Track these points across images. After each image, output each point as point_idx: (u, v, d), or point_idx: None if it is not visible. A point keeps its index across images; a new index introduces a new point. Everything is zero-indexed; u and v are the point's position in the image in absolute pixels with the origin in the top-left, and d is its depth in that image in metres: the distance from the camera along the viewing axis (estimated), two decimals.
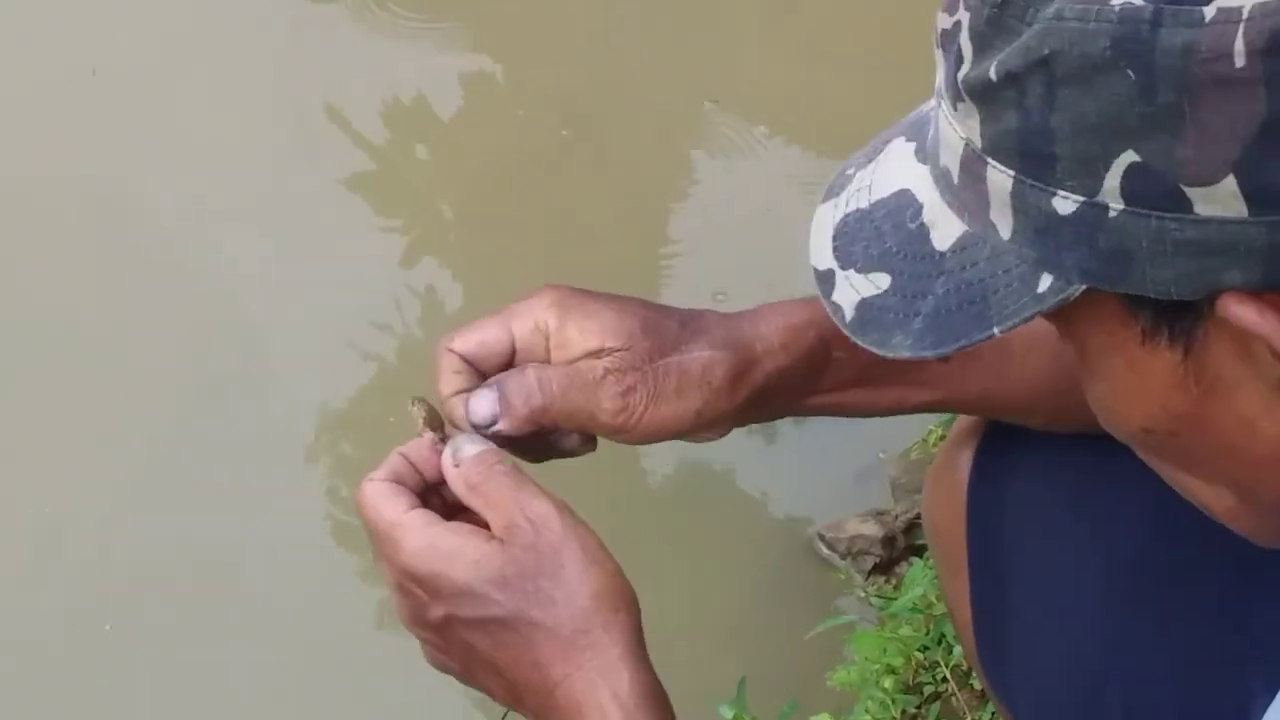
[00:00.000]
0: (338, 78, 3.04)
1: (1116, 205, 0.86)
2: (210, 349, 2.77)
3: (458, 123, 3.04)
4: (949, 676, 2.26)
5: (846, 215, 1.02)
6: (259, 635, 2.51)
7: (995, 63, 0.87)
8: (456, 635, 1.23)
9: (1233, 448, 0.95)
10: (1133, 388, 0.94)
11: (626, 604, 1.21)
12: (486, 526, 1.23)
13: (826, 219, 1.04)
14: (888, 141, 1.04)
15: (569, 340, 1.29)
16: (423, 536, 1.21)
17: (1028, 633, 1.44)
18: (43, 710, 2.47)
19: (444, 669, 1.27)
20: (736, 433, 2.62)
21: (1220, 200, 0.84)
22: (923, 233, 0.97)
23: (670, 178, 2.98)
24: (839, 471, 2.64)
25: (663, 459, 2.68)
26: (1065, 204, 0.87)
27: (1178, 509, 1.30)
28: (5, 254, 2.88)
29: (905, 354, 0.96)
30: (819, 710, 2.25)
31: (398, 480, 1.25)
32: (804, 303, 1.33)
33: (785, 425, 2.67)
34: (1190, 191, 0.85)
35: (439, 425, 1.26)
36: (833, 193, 1.06)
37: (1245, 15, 0.82)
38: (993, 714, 2.19)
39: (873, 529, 2.50)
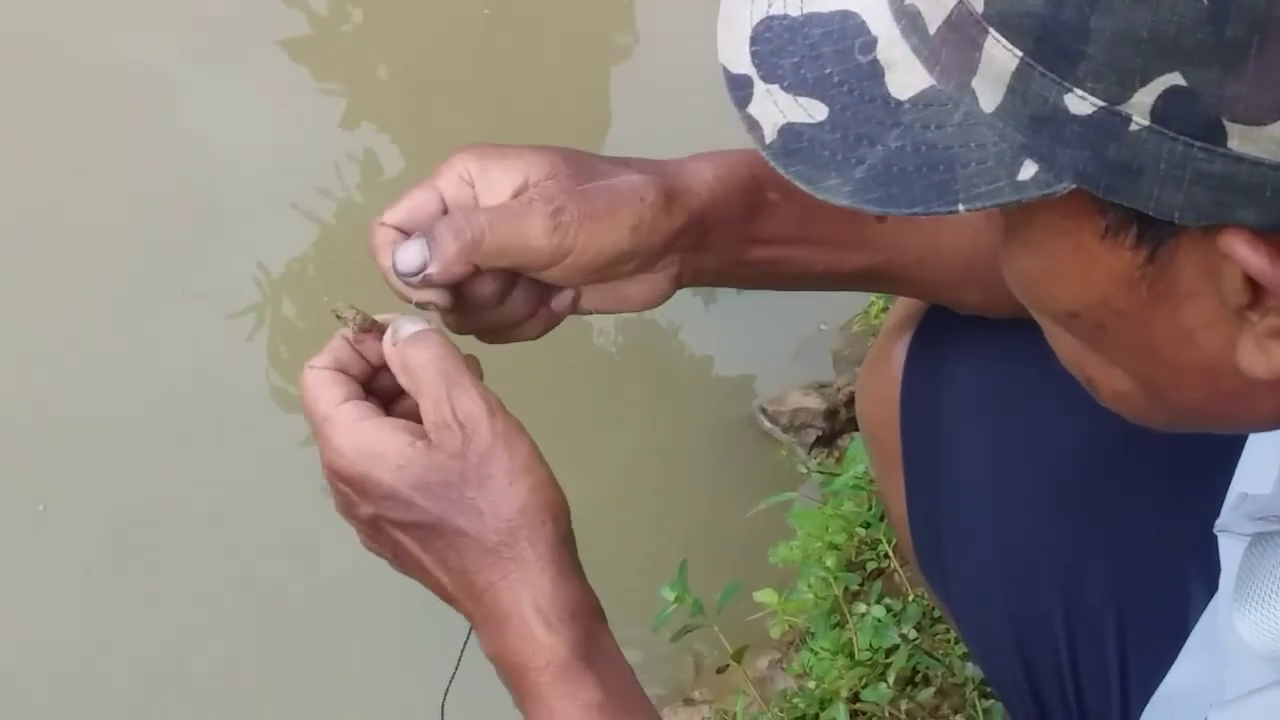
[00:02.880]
0: None
1: (1141, 120, 0.81)
2: (155, 213, 2.75)
3: None
4: (891, 554, 2.25)
5: (769, 18, 0.93)
6: (202, 512, 2.49)
7: None
8: (385, 533, 1.21)
9: (1158, 350, 0.92)
10: (1073, 274, 0.90)
11: (554, 514, 1.18)
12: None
13: (741, 12, 0.94)
14: None
15: (494, 181, 1.24)
16: (349, 435, 1.19)
17: (964, 531, 1.44)
18: None
19: (378, 555, 1.26)
20: (677, 306, 2.62)
21: (1260, 141, 0.81)
22: (875, 71, 0.89)
23: (606, 39, 2.96)
24: (780, 344, 2.63)
25: (603, 331, 2.67)
26: (1080, 104, 0.82)
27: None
28: None
29: (842, 201, 0.89)
30: (761, 587, 2.25)
31: (339, 367, 1.22)
32: (736, 150, 1.27)
33: (726, 297, 2.65)
34: (1231, 126, 0.80)
35: (372, 327, 1.22)
36: None
37: None
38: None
39: (815, 402, 2.49)
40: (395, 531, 1.20)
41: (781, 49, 0.92)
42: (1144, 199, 0.82)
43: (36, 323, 2.65)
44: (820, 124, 0.90)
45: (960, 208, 0.86)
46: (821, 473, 2.39)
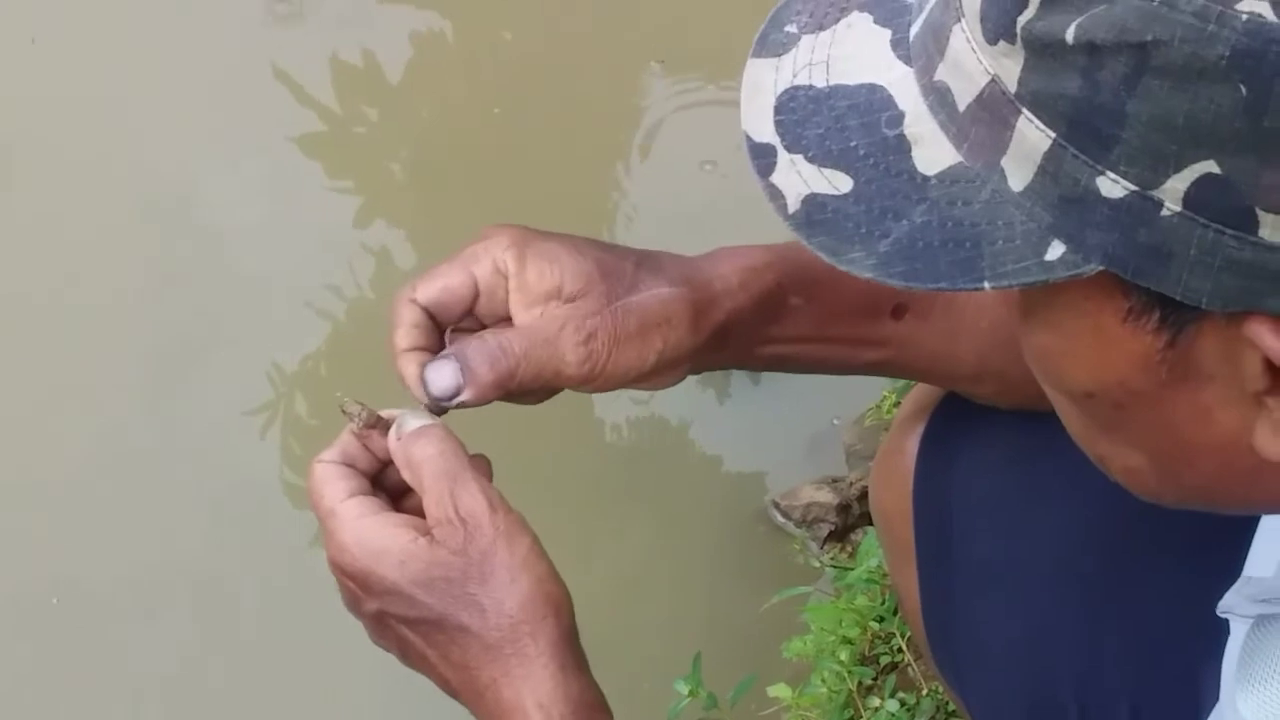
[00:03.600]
0: (285, 36, 3.01)
1: (1173, 206, 0.81)
2: (170, 308, 2.74)
3: (406, 83, 3.00)
4: (905, 647, 2.24)
5: (794, 88, 0.94)
6: (208, 597, 2.49)
7: (1075, 25, 0.80)
8: (390, 629, 1.22)
9: (1174, 429, 0.92)
10: (1092, 355, 0.90)
11: (555, 609, 1.20)
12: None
13: (765, 80, 0.96)
14: (842, 10, 0.97)
15: (528, 284, 1.25)
16: (353, 531, 1.20)
17: (978, 622, 1.44)
18: None
19: (387, 651, 1.27)
20: (689, 402, 2.61)
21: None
22: (902, 146, 0.90)
23: (616, 139, 2.94)
24: (793, 438, 2.62)
25: (616, 426, 2.66)
26: (1112, 187, 0.82)
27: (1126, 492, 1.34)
28: None
29: (866, 274, 0.89)
30: (775, 681, 2.23)
31: (347, 461, 1.23)
32: (761, 247, 1.30)
33: (739, 391, 2.66)
34: (1264, 216, 0.81)
35: (377, 423, 1.24)
36: (769, 49, 0.98)
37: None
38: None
39: (827, 496, 2.47)
40: (400, 627, 1.20)
41: (806, 119, 0.92)
42: (1172, 284, 0.82)
43: (51, 417, 2.65)
44: (845, 196, 0.90)
45: (986, 285, 0.86)
46: (835, 566, 2.38)
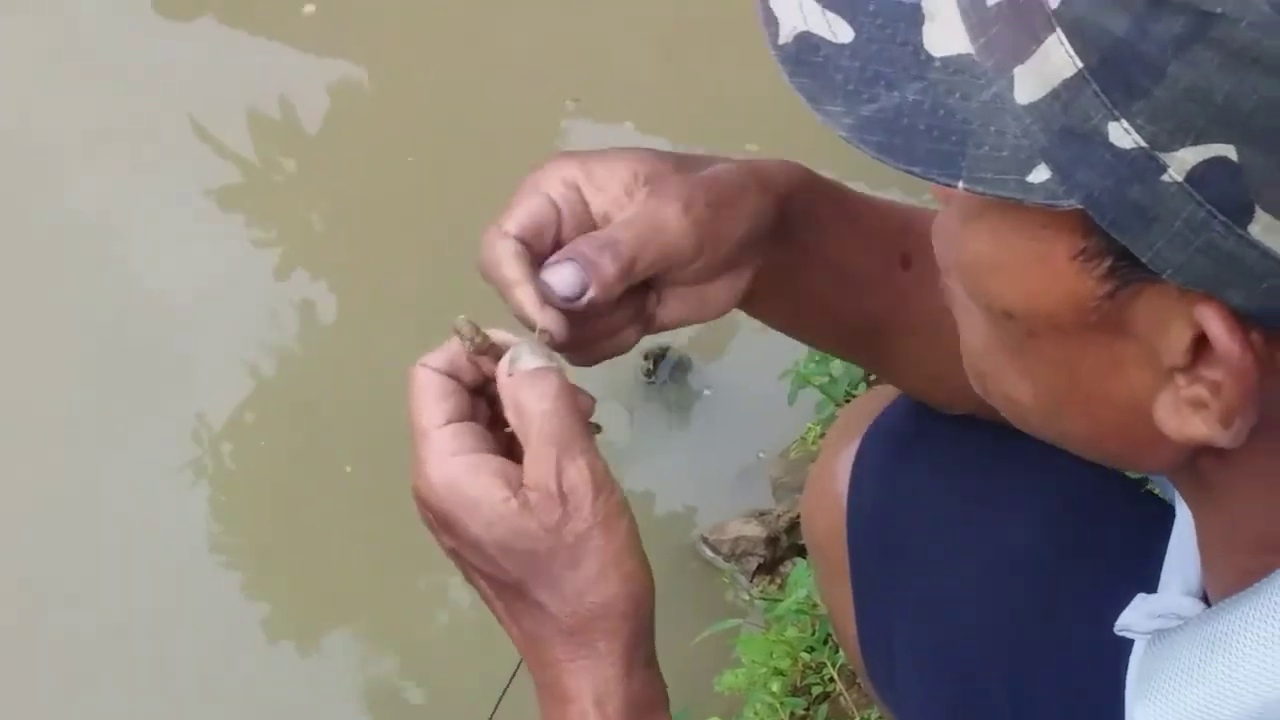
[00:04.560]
0: (201, 86, 2.99)
1: (1175, 175, 0.80)
2: (86, 368, 2.72)
3: (324, 133, 3.00)
4: (836, 677, 2.24)
5: None
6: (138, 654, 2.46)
7: None
8: (464, 567, 1.15)
9: (1079, 374, 0.91)
10: (1028, 280, 0.88)
11: (636, 607, 1.12)
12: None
13: None
14: None
15: (601, 182, 1.17)
16: (443, 470, 1.11)
17: (913, 644, 1.41)
18: None
19: (462, 572, 1.18)
20: (617, 440, 2.60)
21: None
22: (915, 16, 0.87)
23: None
24: (719, 473, 2.61)
25: None
26: (1123, 137, 0.80)
27: (1063, 505, 1.37)
28: None
29: (841, 130, 0.86)
30: (708, 715, 2.24)
31: (453, 372, 1.14)
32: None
33: (666, 428, 2.66)
34: (1260, 213, 0.80)
35: (489, 349, 1.13)
36: None
37: None
38: (879, 715, 2.15)
39: (755, 530, 2.47)
40: (472, 573, 1.14)
41: None
42: (1145, 247, 0.81)
43: None
44: (841, 46, 0.87)
45: (961, 185, 0.84)
46: (764, 599, 2.38)
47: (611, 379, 2.67)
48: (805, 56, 0.88)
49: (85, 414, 2.68)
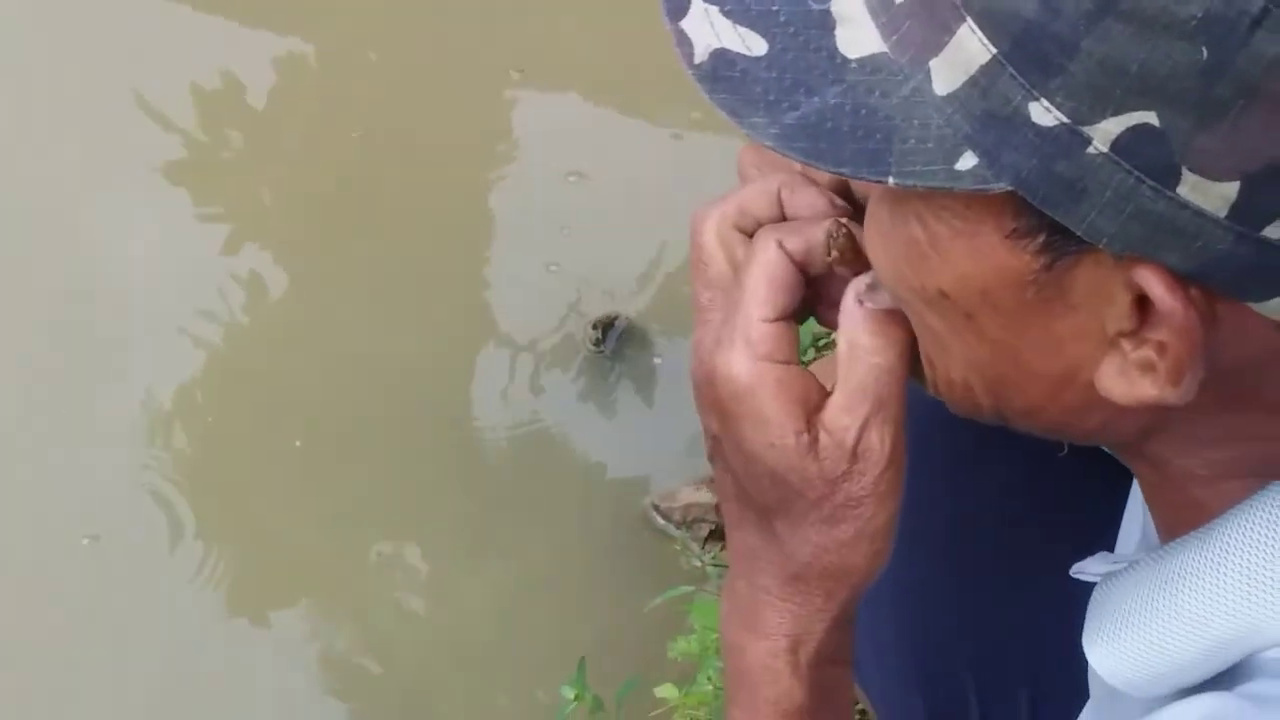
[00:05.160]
0: (145, 60, 2.97)
1: (1100, 147, 0.81)
2: (33, 338, 2.73)
3: (270, 108, 2.98)
4: None
5: None
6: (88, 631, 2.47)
7: None
8: (718, 453, 1.10)
9: (1019, 350, 0.91)
10: (961, 262, 0.89)
11: (865, 582, 1.11)
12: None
13: None
14: None
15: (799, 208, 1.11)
16: (753, 370, 1.04)
17: (872, 608, 1.36)
18: None
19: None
20: (568, 412, 2.65)
21: (1209, 195, 0.81)
22: (826, 22, 0.87)
23: (480, 148, 2.94)
24: (670, 441, 2.61)
25: (497, 440, 2.67)
26: (1044, 115, 0.81)
27: (1021, 472, 1.35)
28: None
29: (767, 141, 0.87)
30: (662, 681, 2.24)
31: (805, 263, 1.06)
32: None
33: (616, 399, 2.67)
34: (1187, 175, 0.81)
35: (855, 259, 1.04)
36: None
37: None
38: None
39: (706, 497, 2.48)
40: (726, 465, 1.09)
41: None
42: (1078, 219, 0.82)
43: None
44: (757, 59, 0.88)
45: (891, 180, 0.84)
46: (716, 565, 2.39)
47: (558, 346, 2.70)
48: (722, 72, 0.88)
49: (30, 390, 2.67)
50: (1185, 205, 0.80)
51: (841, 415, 1.05)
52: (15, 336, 2.72)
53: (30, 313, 2.74)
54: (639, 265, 2.76)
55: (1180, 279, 0.82)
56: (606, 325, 2.68)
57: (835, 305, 1.06)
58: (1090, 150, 0.80)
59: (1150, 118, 0.79)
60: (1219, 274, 0.82)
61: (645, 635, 2.33)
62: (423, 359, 2.70)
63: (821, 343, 2.53)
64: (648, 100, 2.90)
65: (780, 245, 1.05)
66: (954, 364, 0.95)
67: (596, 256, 2.75)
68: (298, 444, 2.61)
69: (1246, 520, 0.90)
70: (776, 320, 1.05)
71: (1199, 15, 0.76)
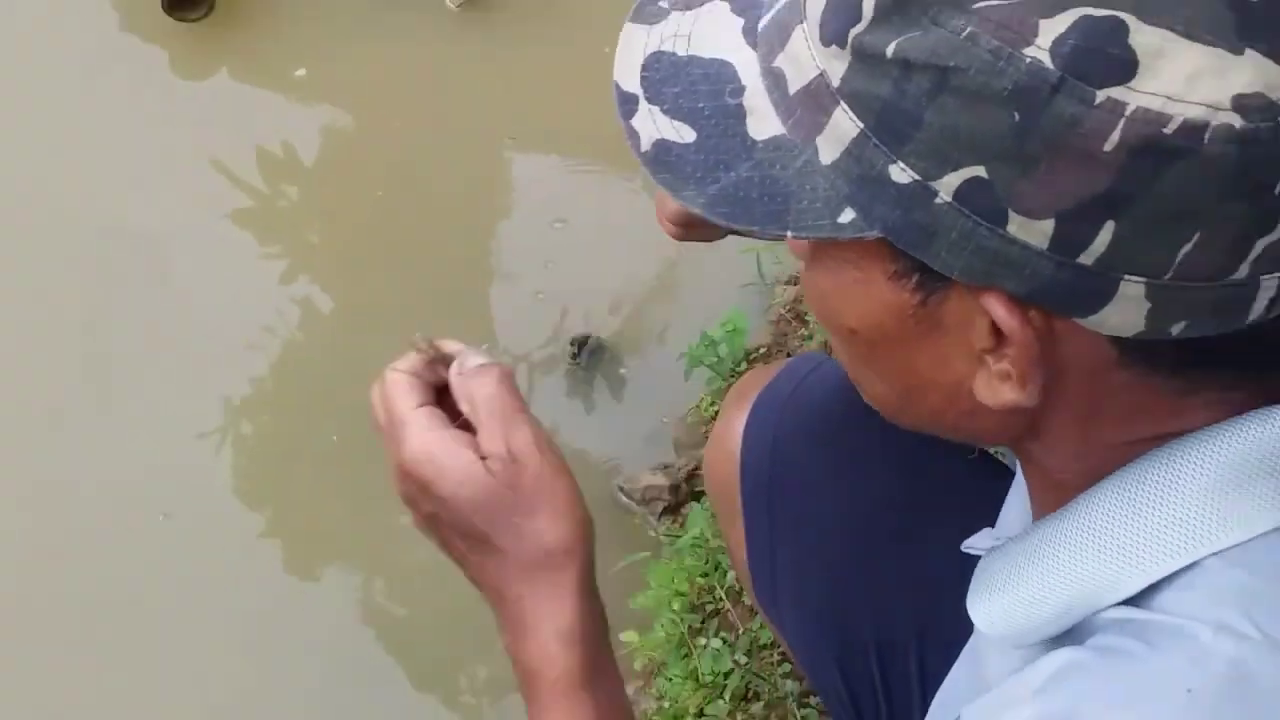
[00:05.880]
0: (217, 131, 2.92)
1: (945, 197, 0.81)
2: (134, 350, 2.66)
3: (317, 167, 2.93)
4: (724, 597, 2.21)
5: (660, 53, 0.94)
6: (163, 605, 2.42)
7: (895, 44, 0.80)
8: (438, 528, 1.13)
9: (916, 369, 0.91)
10: (859, 302, 0.90)
11: (584, 546, 1.11)
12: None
13: (637, 41, 0.95)
14: None
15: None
16: (422, 441, 1.10)
17: (794, 575, 1.41)
18: None
19: (426, 536, 1.16)
20: (554, 408, 2.52)
21: (1032, 232, 0.81)
22: (739, 113, 0.89)
23: (481, 199, 2.89)
24: (632, 435, 2.56)
25: None
26: (901, 174, 0.82)
27: (915, 465, 1.35)
28: None
29: (696, 209, 0.89)
30: (625, 629, 2.21)
31: (417, 375, 1.13)
32: None
33: (592, 399, 2.61)
34: (1013, 215, 0.81)
35: (441, 357, 1.13)
36: (644, 17, 0.96)
37: (1128, 113, 0.77)
38: (760, 624, 2.15)
39: (661, 479, 2.42)
40: (446, 530, 1.12)
41: (667, 79, 0.92)
42: (932, 257, 0.83)
43: (32, 451, 2.57)
44: (688, 145, 0.90)
45: (789, 234, 0.87)
46: (668, 535, 2.34)
47: (544, 359, 2.64)
48: (662, 158, 0.91)
49: (123, 391, 2.62)
50: (1014, 241, 0.80)
51: (489, 440, 1.10)
52: (114, 348, 2.67)
53: (127, 329, 2.69)
54: (609, 294, 2.69)
55: (1019, 302, 0.82)
56: (582, 343, 2.63)
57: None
58: (938, 200, 0.81)
59: (980, 171, 0.79)
60: (1049, 296, 0.82)
61: (611, 592, 2.19)
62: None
63: (752, 355, 2.51)
64: (617, 160, 2.84)
65: (393, 369, 1.13)
66: (874, 383, 0.95)
67: (575, 287, 2.70)
68: (335, 438, 2.57)
69: (1093, 504, 0.89)
70: (420, 408, 1.11)
71: (1009, 87, 0.77)
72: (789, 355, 2.40)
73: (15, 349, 2.65)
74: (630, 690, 2.20)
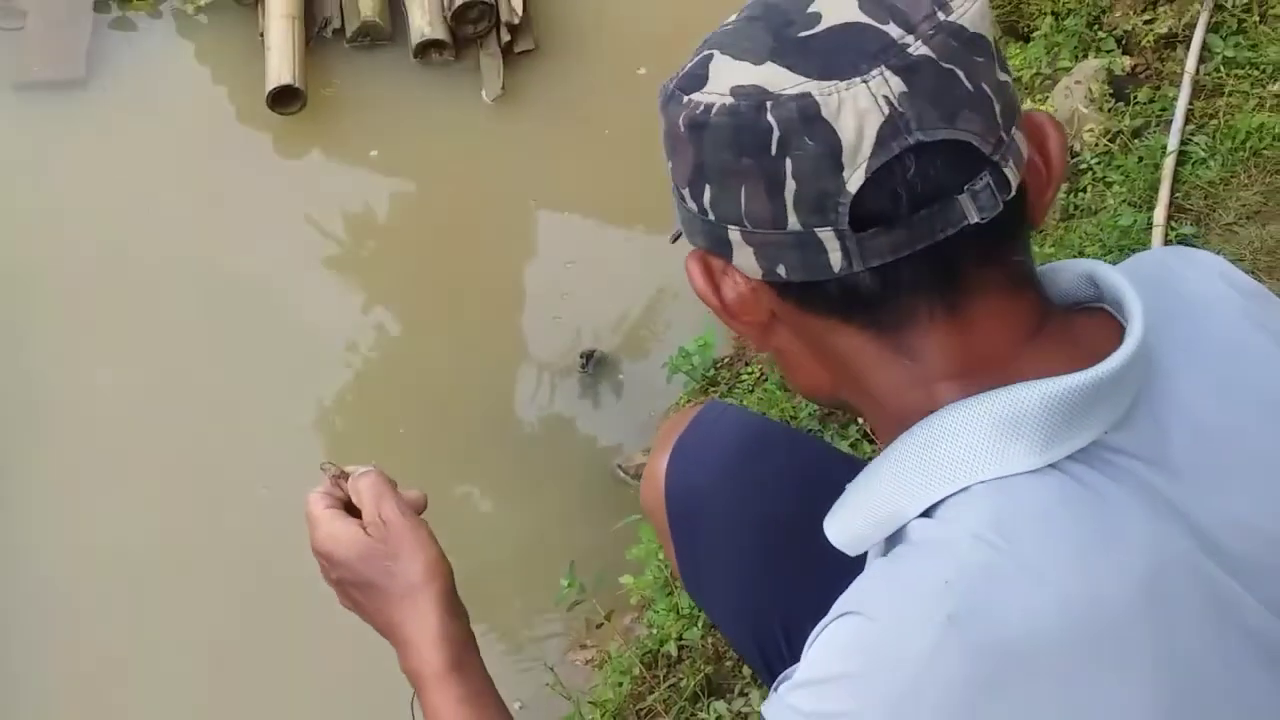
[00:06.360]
0: (310, 197, 2.94)
1: (692, 206, 0.89)
2: (255, 368, 2.69)
3: (388, 223, 2.95)
4: None
5: None
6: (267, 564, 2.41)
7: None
8: (344, 589, 1.18)
9: (787, 361, 0.93)
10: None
11: (440, 576, 1.14)
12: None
13: None
14: None
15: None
16: (326, 526, 1.16)
17: (714, 578, 1.37)
18: None
19: (345, 606, 1.21)
20: (571, 403, 2.60)
21: (688, 199, 0.87)
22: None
23: (510, 246, 2.88)
24: (628, 425, 2.59)
25: (521, 419, 2.63)
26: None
27: (803, 481, 1.26)
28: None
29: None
30: (623, 574, 2.25)
31: (328, 493, 1.19)
32: None
33: (597, 398, 2.63)
34: (682, 191, 0.88)
35: (341, 474, 1.21)
36: None
37: (685, 102, 0.85)
38: None
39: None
40: (348, 587, 1.17)
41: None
42: (693, 239, 0.90)
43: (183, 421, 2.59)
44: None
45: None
46: None
47: (561, 368, 2.66)
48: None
49: (249, 392, 2.65)
50: (689, 209, 0.88)
51: (368, 513, 1.15)
52: (235, 363, 2.69)
53: (246, 348, 2.71)
54: (611, 318, 2.71)
55: (699, 252, 0.90)
56: (589, 355, 2.66)
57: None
58: (696, 210, 0.88)
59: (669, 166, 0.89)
60: (714, 248, 0.88)
61: (612, 546, 2.32)
62: (479, 375, 2.67)
63: (719, 363, 2.50)
64: (614, 217, 2.88)
65: (311, 494, 1.18)
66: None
67: (583, 312, 2.71)
68: (401, 430, 2.60)
69: (901, 443, 0.88)
70: (327, 509, 1.16)
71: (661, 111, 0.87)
72: (746, 365, 2.44)
73: (164, 366, 2.66)
74: (627, 620, 2.26)
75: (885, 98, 0.80)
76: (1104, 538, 0.82)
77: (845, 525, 0.92)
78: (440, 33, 2.98)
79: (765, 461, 1.26)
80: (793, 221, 0.82)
